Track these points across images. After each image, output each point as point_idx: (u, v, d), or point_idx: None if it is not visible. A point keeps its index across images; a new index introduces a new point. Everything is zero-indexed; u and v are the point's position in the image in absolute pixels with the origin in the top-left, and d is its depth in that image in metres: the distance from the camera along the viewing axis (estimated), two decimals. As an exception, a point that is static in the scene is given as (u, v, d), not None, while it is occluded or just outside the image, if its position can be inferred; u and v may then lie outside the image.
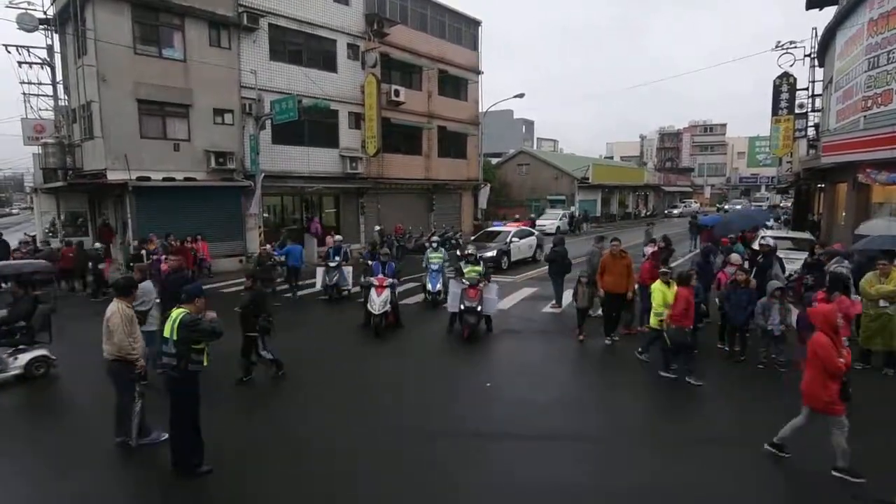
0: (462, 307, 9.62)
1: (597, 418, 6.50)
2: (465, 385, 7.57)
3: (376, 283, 9.92)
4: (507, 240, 18.50)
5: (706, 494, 4.76)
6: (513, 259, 18.37)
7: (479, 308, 9.53)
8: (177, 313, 4.95)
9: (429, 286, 12.74)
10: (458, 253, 16.29)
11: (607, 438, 5.89)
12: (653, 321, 7.87)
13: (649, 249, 12.69)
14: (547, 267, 12.96)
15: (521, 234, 19.53)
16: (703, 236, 20.86)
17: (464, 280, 9.86)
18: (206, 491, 4.90)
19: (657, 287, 7.89)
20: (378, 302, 9.73)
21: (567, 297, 12.13)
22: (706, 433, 5.97)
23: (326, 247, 14.11)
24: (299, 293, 13.86)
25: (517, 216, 34.88)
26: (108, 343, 5.44)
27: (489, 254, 16.64)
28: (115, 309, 5.45)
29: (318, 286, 13.47)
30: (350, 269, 13.89)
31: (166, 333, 4.93)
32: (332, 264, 13.38)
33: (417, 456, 5.49)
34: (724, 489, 4.82)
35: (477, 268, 10.19)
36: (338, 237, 14.74)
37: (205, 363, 5.04)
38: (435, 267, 12.83)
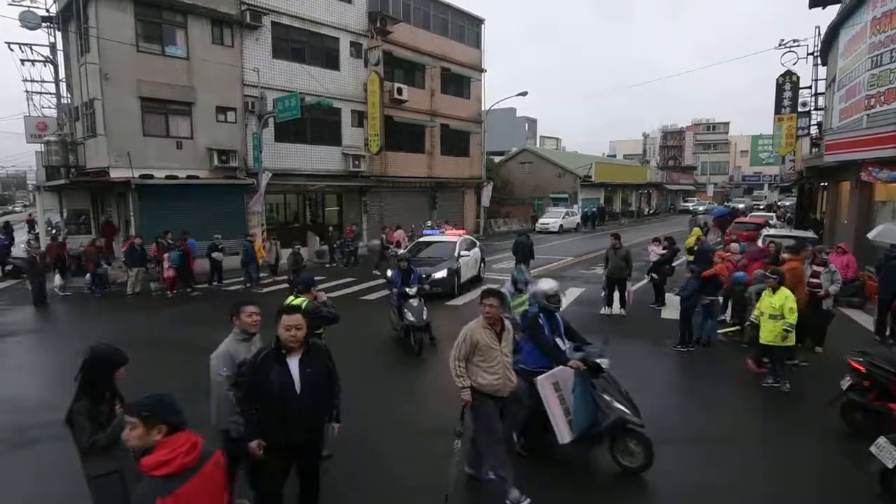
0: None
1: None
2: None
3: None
4: (456, 253, 13.74)
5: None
6: (462, 280, 13.85)
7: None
8: (299, 301, 5.25)
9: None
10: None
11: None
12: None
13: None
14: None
15: (468, 245, 14.71)
16: (714, 224, 23.60)
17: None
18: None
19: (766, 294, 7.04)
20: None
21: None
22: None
23: (391, 257, 9.89)
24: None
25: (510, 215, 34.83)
26: None
27: (438, 274, 12.80)
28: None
29: (395, 325, 9.13)
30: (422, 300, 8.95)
31: None
32: (410, 292, 8.67)
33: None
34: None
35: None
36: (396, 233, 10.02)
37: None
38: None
